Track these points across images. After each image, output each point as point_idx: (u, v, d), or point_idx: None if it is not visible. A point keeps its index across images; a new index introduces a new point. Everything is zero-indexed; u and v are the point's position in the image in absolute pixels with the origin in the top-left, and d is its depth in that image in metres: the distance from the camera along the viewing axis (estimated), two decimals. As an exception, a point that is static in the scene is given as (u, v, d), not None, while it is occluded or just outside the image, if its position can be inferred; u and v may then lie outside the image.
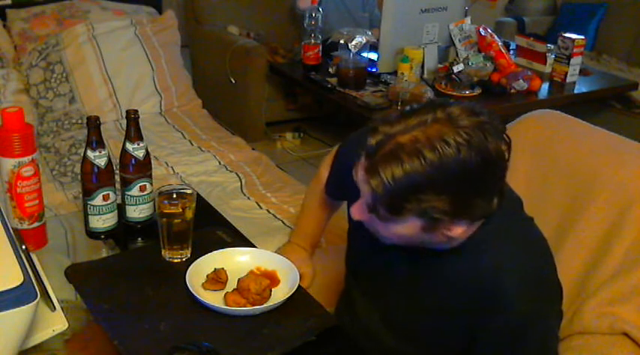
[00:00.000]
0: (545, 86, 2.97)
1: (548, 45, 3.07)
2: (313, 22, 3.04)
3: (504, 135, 0.98)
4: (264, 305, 1.22)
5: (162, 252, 1.37)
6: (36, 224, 1.43)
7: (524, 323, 1.07)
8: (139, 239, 1.51)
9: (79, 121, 2.71)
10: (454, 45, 3.03)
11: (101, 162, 1.41)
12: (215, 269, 1.29)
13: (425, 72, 2.94)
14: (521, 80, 2.81)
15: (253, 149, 2.73)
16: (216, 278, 1.27)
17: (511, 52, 3.20)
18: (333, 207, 1.56)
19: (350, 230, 1.36)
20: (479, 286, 1.08)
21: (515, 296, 1.05)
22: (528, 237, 1.13)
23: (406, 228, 1.00)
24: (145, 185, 1.47)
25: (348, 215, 1.34)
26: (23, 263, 0.95)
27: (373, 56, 3.03)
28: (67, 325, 1.08)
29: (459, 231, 1.01)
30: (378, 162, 0.94)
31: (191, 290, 1.22)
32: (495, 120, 0.97)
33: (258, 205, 2.22)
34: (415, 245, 1.07)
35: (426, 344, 1.20)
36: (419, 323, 1.19)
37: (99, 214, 1.44)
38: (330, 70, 3.06)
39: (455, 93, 2.77)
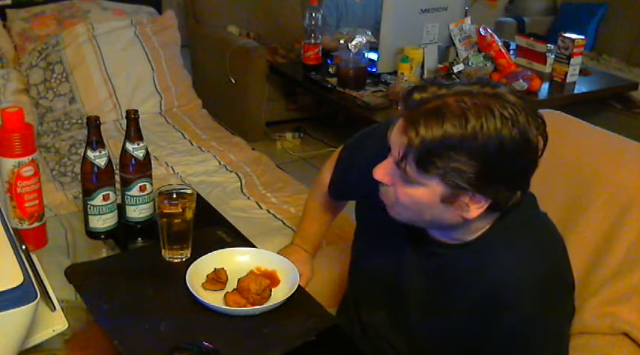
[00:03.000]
0: (545, 86, 2.97)
1: (548, 45, 3.07)
2: (313, 22, 3.04)
3: (544, 131, 0.99)
4: (264, 305, 1.22)
5: (163, 252, 1.37)
6: (36, 224, 1.43)
7: (531, 323, 1.05)
8: (139, 239, 1.51)
9: (79, 121, 2.71)
10: (454, 45, 3.03)
11: (101, 162, 1.41)
12: (215, 269, 1.29)
13: (425, 72, 2.94)
14: (521, 80, 2.81)
15: (253, 149, 2.73)
16: (216, 278, 1.27)
17: (511, 52, 3.20)
18: (334, 209, 1.55)
19: (357, 229, 1.35)
20: (484, 285, 1.06)
21: (521, 296, 1.04)
22: (539, 234, 1.11)
23: (426, 193, 0.99)
24: (145, 185, 1.47)
25: (357, 215, 1.36)
26: (23, 263, 0.95)
27: (373, 56, 3.03)
28: (67, 325, 1.08)
29: (475, 213, 1.00)
30: (421, 115, 0.95)
31: (191, 290, 1.22)
32: (539, 116, 0.98)
33: (258, 205, 2.22)
34: (424, 221, 1.06)
35: (434, 344, 1.18)
36: (427, 323, 1.18)
37: (99, 214, 1.44)
38: (330, 70, 3.06)
39: (455, 93, 2.76)
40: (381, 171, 1.04)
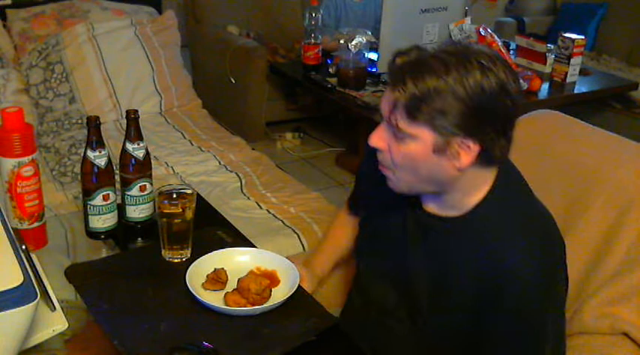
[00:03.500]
0: (545, 86, 2.97)
1: (548, 45, 3.07)
2: (313, 22, 3.04)
3: (518, 81, 1.06)
4: (264, 305, 1.22)
5: (163, 252, 1.37)
6: (36, 224, 1.43)
7: (531, 300, 1.09)
8: (139, 239, 1.51)
9: (79, 121, 2.71)
10: (454, 45, 3.02)
11: (101, 162, 1.41)
12: (215, 269, 1.28)
13: (425, 72, 2.93)
14: (521, 80, 2.80)
15: (253, 149, 2.73)
16: (216, 278, 1.27)
17: (511, 52, 3.20)
18: (351, 227, 1.49)
19: (360, 234, 1.38)
20: (485, 265, 1.10)
21: (520, 274, 1.08)
22: (531, 211, 1.16)
23: (419, 147, 1.05)
24: (145, 185, 1.47)
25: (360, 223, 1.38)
26: (23, 263, 0.95)
27: (373, 56, 3.03)
28: (67, 325, 1.08)
29: (465, 160, 1.05)
30: (405, 72, 1.03)
31: (191, 290, 1.22)
32: (511, 68, 1.06)
33: (258, 205, 2.22)
34: (422, 181, 1.10)
35: (442, 333, 1.21)
36: (435, 309, 1.20)
37: (99, 214, 1.44)
38: (330, 70, 3.06)
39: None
40: (375, 137, 1.11)
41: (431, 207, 1.18)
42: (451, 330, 1.20)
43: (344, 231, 1.51)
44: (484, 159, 1.06)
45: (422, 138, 1.04)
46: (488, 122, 1.03)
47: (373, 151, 1.13)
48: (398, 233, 1.23)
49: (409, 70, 1.03)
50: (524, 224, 1.13)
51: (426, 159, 1.06)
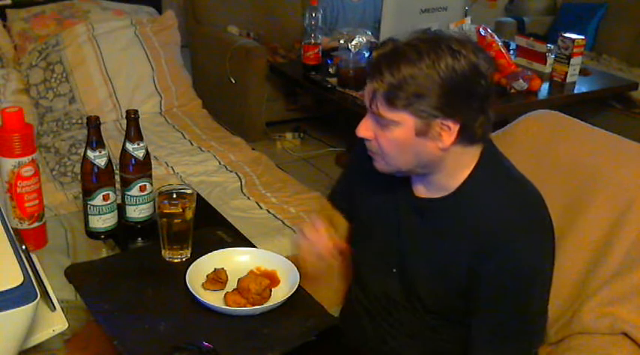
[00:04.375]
0: (545, 86, 2.96)
1: (548, 45, 3.07)
2: (313, 22, 3.04)
3: (491, 61, 1.14)
4: (264, 305, 1.22)
5: (163, 252, 1.37)
6: (36, 224, 1.43)
7: (519, 259, 1.13)
8: (139, 239, 1.51)
9: (79, 121, 2.71)
10: (454, 45, 3.02)
11: (101, 162, 1.41)
12: (215, 269, 1.28)
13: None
14: (521, 80, 2.81)
15: (253, 149, 2.73)
16: (216, 278, 1.27)
17: (511, 52, 3.19)
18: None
19: (352, 226, 1.39)
20: (473, 230, 1.16)
21: (507, 234, 1.13)
22: (513, 180, 1.20)
23: (402, 131, 1.11)
24: (145, 185, 1.47)
25: (350, 216, 1.37)
26: (23, 263, 0.95)
27: (373, 56, 3.03)
28: (67, 325, 1.08)
29: (447, 140, 1.10)
30: (381, 63, 1.09)
31: (191, 290, 1.22)
32: (483, 50, 1.13)
33: (258, 205, 2.22)
34: (408, 163, 1.15)
35: (438, 300, 1.24)
36: (430, 277, 1.23)
37: (99, 214, 1.44)
38: (330, 70, 3.06)
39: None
40: (362, 128, 1.16)
41: (421, 191, 1.23)
42: (449, 314, 1.24)
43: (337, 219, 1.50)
44: (465, 137, 1.12)
45: (404, 123, 1.10)
46: (465, 102, 1.09)
47: (361, 143, 1.19)
48: (392, 219, 1.27)
49: (385, 61, 1.09)
50: (509, 195, 1.18)
51: (410, 142, 1.12)
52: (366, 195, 1.34)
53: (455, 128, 1.10)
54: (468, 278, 1.17)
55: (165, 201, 1.34)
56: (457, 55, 1.07)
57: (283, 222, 2.09)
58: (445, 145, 1.11)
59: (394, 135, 1.12)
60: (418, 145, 1.12)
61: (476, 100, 1.10)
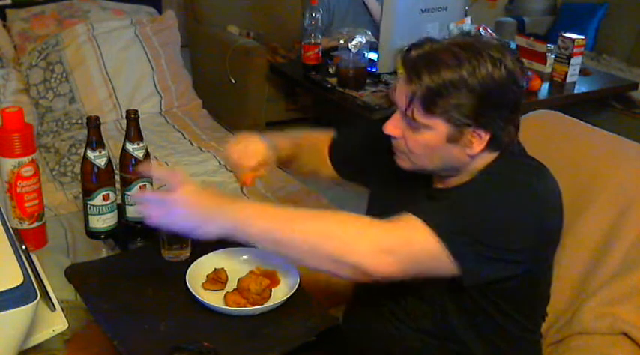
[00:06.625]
0: (545, 86, 2.96)
1: (548, 45, 3.07)
2: (313, 22, 3.04)
3: (524, 67, 1.14)
4: (264, 305, 1.22)
5: (162, 252, 1.37)
6: (36, 224, 1.43)
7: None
8: (139, 239, 1.51)
9: (79, 121, 2.71)
10: (454, 45, 3.02)
11: (101, 162, 1.41)
12: (215, 269, 1.29)
13: (425, 72, 2.93)
14: (521, 79, 2.81)
15: (253, 149, 2.72)
16: (216, 278, 1.27)
17: (511, 52, 3.19)
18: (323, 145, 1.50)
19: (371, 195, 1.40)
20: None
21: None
22: (509, 182, 1.16)
23: (434, 136, 1.11)
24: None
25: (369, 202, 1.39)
26: (23, 263, 0.95)
27: (373, 56, 3.03)
28: (67, 325, 1.08)
29: (477, 148, 1.11)
30: (421, 66, 1.08)
31: (191, 290, 1.22)
32: (518, 56, 1.12)
33: (258, 205, 2.22)
34: (434, 165, 1.16)
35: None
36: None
37: (99, 214, 1.44)
38: (330, 70, 3.06)
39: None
40: (390, 126, 1.16)
41: (438, 183, 1.24)
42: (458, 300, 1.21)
43: (319, 140, 1.50)
44: (493, 145, 1.13)
45: (436, 129, 1.10)
46: (499, 111, 1.10)
47: (377, 133, 1.18)
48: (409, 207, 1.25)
49: (424, 63, 1.08)
50: (504, 186, 1.14)
51: (440, 147, 1.12)
52: (381, 185, 1.34)
53: (485, 137, 1.11)
54: None
55: (166, 201, 1.34)
56: (497, 63, 1.07)
57: (283, 222, 2.09)
58: (474, 152, 1.13)
59: (425, 139, 1.12)
60: (447, 150, 1.13)
61: (508, 109, 1.11)
